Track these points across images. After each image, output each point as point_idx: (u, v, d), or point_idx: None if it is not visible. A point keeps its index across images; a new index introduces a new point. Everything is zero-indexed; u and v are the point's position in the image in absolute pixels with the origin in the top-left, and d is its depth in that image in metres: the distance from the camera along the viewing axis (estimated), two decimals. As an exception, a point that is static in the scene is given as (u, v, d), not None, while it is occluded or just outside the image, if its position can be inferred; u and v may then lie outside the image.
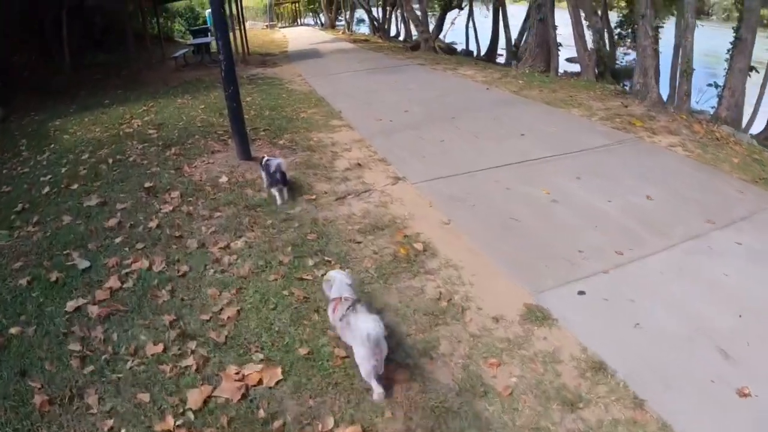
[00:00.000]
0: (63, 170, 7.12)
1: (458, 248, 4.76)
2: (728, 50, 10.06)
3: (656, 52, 10.45)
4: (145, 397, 3.16)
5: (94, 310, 3.91)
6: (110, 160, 7.19)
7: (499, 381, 3.26)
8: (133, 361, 3.43)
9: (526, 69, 13.15)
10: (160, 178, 6.33)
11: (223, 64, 6.42)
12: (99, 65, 17.44)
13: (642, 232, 4.98)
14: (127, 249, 4.76)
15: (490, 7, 25.74)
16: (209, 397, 3.13)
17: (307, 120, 8.98)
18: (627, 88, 12.91)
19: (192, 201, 5.62)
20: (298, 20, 44.63)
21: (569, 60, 27.60)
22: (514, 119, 8.55)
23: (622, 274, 4.36)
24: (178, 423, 2.97)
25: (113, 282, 4.21)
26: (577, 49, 12.47)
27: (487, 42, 23.92)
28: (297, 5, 43.27)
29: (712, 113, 10.31)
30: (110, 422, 3.00)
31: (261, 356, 3.43)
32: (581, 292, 4.20)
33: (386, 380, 3.12)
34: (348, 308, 3.07)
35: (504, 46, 21.34)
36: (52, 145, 8.56)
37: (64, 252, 4.84)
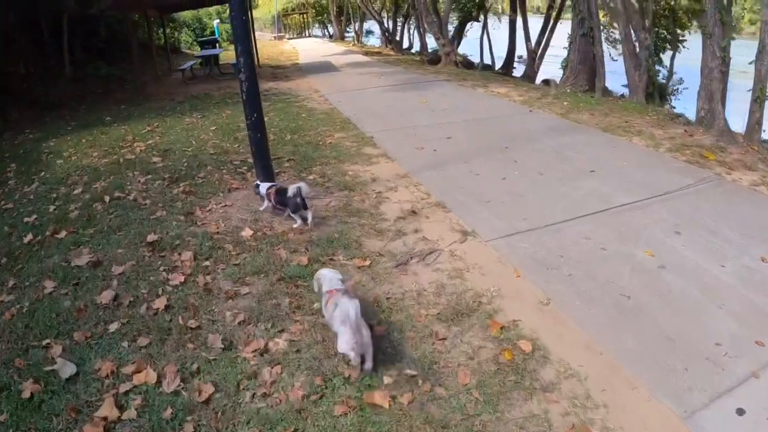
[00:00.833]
0: (51, 208, 5.84)
1: (572, 344, 3.45)
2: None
3: (724, 75, 9.12)
4: None
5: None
6: (107, 198, 5.88)
7: None
8: None
9: (567, 88, 11.86)
10: (167, 228, 5.01)
11: (245, 85, 5.13)
12: (101, 77, 16.16)
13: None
14: (126, 345, 3.42)
15: (502, 19, 24.63)
16: None
17: (336, 147, 7.68)
18: (672, 109, 11.70)
19: (209, 267, 4.29)
20: (306, 31, 43.48)
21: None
22: (574, 150, 7.28)
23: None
24: None
25: (108, 408, 2.88)
26: (627, 68, 11.19)
27: (496, 53, 22.90)
28: (305, 16, 42.12)
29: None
30: None
31: None
32: (740, 411, 3.04)
33: None
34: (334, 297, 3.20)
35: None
36: (43, 173, 7.26)
37: (44, 342, 3.53)
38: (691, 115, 9.84)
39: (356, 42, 32.65)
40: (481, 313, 3.74)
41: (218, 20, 29.85)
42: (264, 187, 5.34)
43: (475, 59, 24.30)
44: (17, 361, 3.34)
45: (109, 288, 4.08)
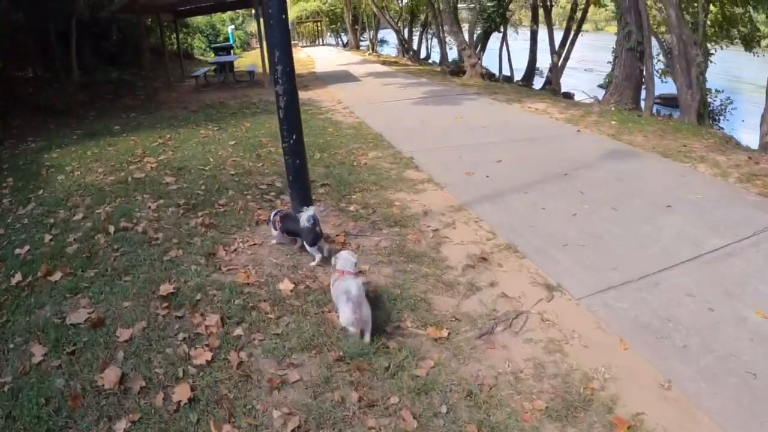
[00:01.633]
0: (47, 238, 4.91)
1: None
2: None
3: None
4: None
5: None
6: (111, 228, 4.92)
7: None
8: None
9: (611, 106, 10.86)
10: (185, 275, 4.04)
11: (283, 100, 4.16)
12: (111, 83, 15.29)
13: None
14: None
15: (519, 30, 23.70)
16: None
17: (373, 169, 6.71)
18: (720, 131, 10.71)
19: (242, 337, 3.30)
20: (319, 40, 42.69)
21: (603, 86, 25.60)
22: (640, 180, 6.30)
23: None
24: None
25: None
26: (679, 87, 10.21)
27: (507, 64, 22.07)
28: (319, 24, 41.31)
29: None
30: None
31: None
32: None
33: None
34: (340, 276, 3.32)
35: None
36: (41, 191, 6.32)
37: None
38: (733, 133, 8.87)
39: (371, 51, 31.76)
40: (599, 405, 2.82)
41: (233, 26, 29.02)
42: (274, 212, 4.52)
43: (493, 71, 23.34)
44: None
45: (113, 362, 3.11)
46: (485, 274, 4.19)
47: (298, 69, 21.15)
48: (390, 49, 35.68)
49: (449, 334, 3.40)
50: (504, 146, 7.82)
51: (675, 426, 2.71)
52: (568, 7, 22.04)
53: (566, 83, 21.78)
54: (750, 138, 10.59)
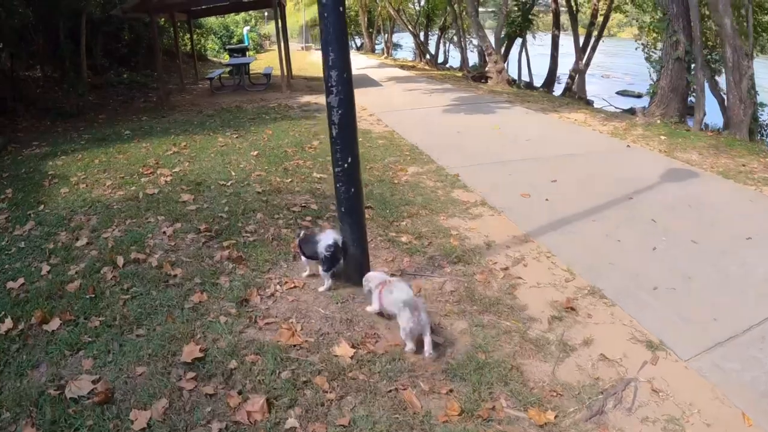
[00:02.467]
0: (45, 269, 4.15)
1: None
2: None
3: None
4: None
5: None
6: (120, 260, 4.12)
7: None
8: None
9: (656, 118, 9.98)
10: (213, 329, 3.23)
11: (337, 114, 3.36)
12: (123, 84, 14.53)
13: None
14: None
15: (536, 36, 22.84)
16: None
17: (416, 188, 5.90)
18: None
19: (298, 431, 2.44)
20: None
21: (622, 93, 24.72)
22: (711, 206, 5.48)
23: None
24: None
25: None
26: (730, 101, 9.34)
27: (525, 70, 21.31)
28: (332, 27, 40.54)
29: None
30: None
31: None
32: None
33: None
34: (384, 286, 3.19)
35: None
36: (42, 207, 5.54)
37: None
38: None
39: (387, 54, 30.96)
40: None
41: (248, 27, 28.26)
42: (299, 234, 3.88)
43: (512, 76, 22.48)
44: None
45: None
46: (575, 328, 3.41)
47: (315, 72, 20.36)
48: (404, 53, 34.87)
49: (556, 416, 2.57)
50: (554, 163, 6.98)
51: None
52: (589, 12, 21.18)
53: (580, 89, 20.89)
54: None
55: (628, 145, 8.00)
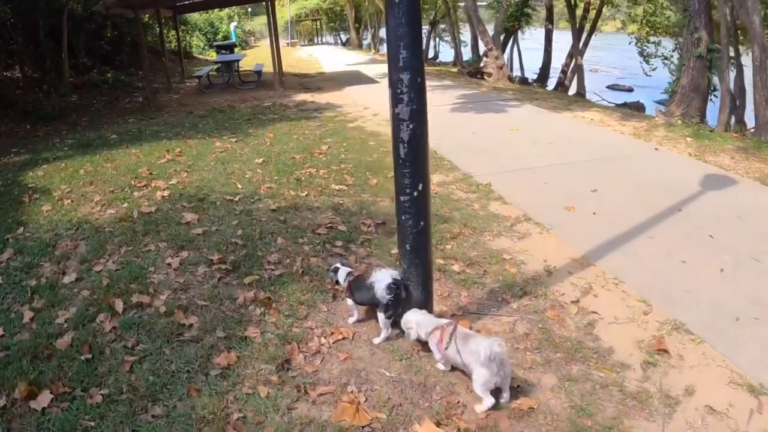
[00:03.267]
0: (27, 315, 3.47)
1: None
2: None
3: None
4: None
5: None
6: (119, 305, 3.36)
7: None
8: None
9: (677, 118, 9.35)
10: (251, 405, 2.56)
11: (407, 128, 2.69)
12: (107, 84, 13.61)
13: None
14: None
15: (526, 31, 22.23)
16: None
17: (449, 201, 5.22)
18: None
19: None
20: (317, 38, 40.95)
21: (612, 87, 24.23)
22: (758, 218, 4.91)
23: None
24: None
25: None
26: (756, 99, 8.76)
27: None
28: (317, 23, 39.57)
29: None
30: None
31: None
32: None
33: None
34: (452, 335, 2.64)
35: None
36: (21, 229, 4.78)
37: None
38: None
39: (375, 50, 30.13)
40: None
41: (235, 23, 27.24)
42: (343, 272, 3.16)
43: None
44: None
45: None
46: (671, 374, 2.88)
47: (303, 69, 19.55)
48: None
49: None
50: (585, 169, 6.34)
51: None
52: (581, 6, 20.58)
53: (575, 85, 20.35)
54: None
55: (656, 148, 7.38)
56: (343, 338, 3.01)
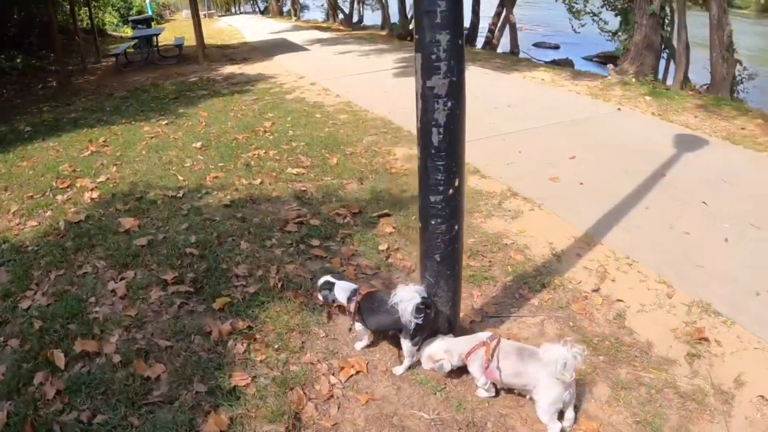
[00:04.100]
0: None
1: None
2: None
3: None
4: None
5: None
6: (60, 359, 2.61)
7: None
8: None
9: (630, 76, 9.00)
10: None
11: (445, 108, 1.97)
12: (16, 70, 12.00)
13: None
14: None
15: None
16: None
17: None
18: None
19: None
20: (234, 8, 38.66)
21: (538, 45, 24.10)
22: (744, 181, 4.62)
23: None
24: None
25: None
26: (713, 58, 8.57)
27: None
28: (234, -9, 37.33)
29: None
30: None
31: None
32: None
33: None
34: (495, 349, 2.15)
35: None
36: None
37: None
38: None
39: (296, 17, 28.65)
40: None
41: (149, -5, 25.05)
42: (343, 289, 2.47)
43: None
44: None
45: None
46: (717, 365, 2.58)
47: (225, 40, 18.20)
48: (313, 14, 32.48)
49: None
50: (557, 134, 5.91)
51: None
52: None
53: (502, 43, 19.97)
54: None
55: (618, 108, 7.03)
56: (357, 372, 2.37)
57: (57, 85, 10.81)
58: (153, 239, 3.66)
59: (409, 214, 3.86)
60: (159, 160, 5.50)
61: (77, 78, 11.61)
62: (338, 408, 2.19)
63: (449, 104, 1.93)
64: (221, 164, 5.22)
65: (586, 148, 5.33)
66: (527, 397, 2.22)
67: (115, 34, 20.92)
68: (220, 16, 33.45)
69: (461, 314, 2.68)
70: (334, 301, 2.49)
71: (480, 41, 19.58)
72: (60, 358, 2.49)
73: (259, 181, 4.71)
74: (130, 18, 19.14)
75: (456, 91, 1.92)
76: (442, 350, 2.23)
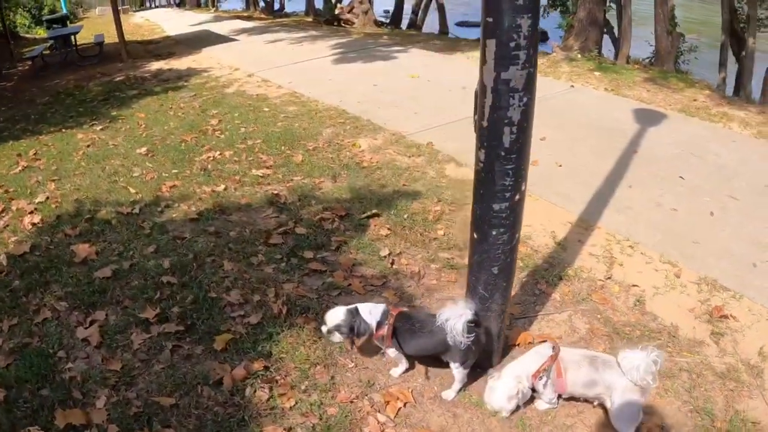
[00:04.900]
0: None
1: None
2: None
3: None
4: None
5: None
6: None
7: None
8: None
9: (576, 52, 8.92)
10: None
11: (521, 105, 1.69)
12: None
13: None
14: None
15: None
16: None
17: (397, 170, 4.40)
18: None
19: None
20: (148, 2, 36.27)
21: (461, 24, 24.06)
22: (709, 153, 4.65)
23: None
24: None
25: None
26: (658, 33, 8.65)
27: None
28: (146, -16, 34.97)
29: None
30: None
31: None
32: None
33: None
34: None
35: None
36: None
37: None
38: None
39: (214, 7, 27.16)
40: None
41: (64, -7, 22.89)
42: (371, 313, 2.11)
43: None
44: None
45: None
46: (740, 340, 2.56)
47: (145, 35, 16.98)
48: (232, 4, 30.91)
49: None
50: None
51: None
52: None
53: (427, 23, 19.66)
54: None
55: (572, 85, 6.94)
56: (405, 405, 2.01)
57: (-32, 96, 9.58)
58: (118, 269, 3.11)
59: (399, 213, 3.51)
60: (102, 171, 4.84)
61: (-9, 86, 10.36)
62: None
63: (525, 100, 1.59)
64: (175, 171, 4.64)
65: (552, 128, 5.12)
66: (594, 404, 1.99)
67: (28, 36, 19.06)
68: (134, 11, 31.25)
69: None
70: (365, 332, 2.09)
71: (404, 23, 19.24)
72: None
73: (222, 187, 4.19)
74: (44, 18, 17.41)
75: (531, 85, 1.59)
76: (514, 381, 1.91)
